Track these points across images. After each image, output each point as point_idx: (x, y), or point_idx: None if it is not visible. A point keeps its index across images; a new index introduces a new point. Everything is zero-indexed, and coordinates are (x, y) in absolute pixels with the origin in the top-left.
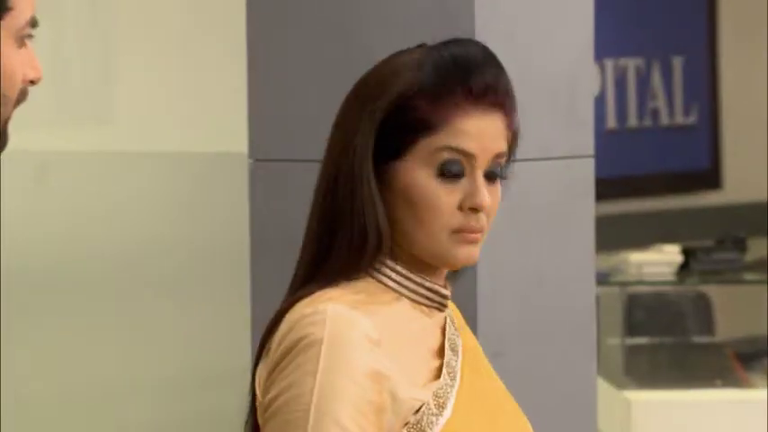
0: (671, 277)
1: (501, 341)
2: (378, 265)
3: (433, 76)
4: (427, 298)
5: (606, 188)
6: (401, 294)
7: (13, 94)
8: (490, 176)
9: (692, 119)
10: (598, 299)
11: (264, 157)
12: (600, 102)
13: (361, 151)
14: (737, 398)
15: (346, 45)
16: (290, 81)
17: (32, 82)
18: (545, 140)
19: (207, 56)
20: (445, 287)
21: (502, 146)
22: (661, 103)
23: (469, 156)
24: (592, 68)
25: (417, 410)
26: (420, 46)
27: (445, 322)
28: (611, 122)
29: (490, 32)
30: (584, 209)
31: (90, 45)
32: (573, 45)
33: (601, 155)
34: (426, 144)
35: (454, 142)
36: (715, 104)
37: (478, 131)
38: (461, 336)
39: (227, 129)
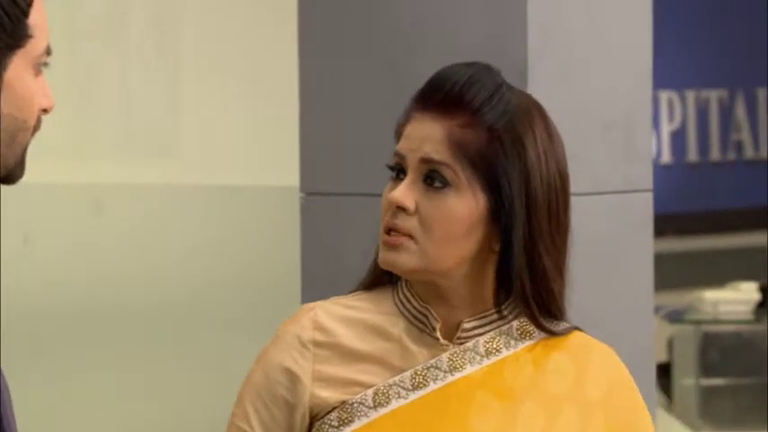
0: (748, 316)
1: None
2: (399, 282)
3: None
4: (420, 321)
5: (684, 223)
6: (401, 314)
7: (32, 121)
8: (429, 182)
9: None
10: (672, 338)
11: (316, 191)
12: (681, 134)
13: None
14: None
15: (397, 79)
16: (342, 115)
17: (45, 111)
18: (600, 174)
19: (261, 89)
20: (458, 325)
21: (430, 152)
22: (745, 135)
23: (400, 156)
24: (649, 100)
25: (323, 416)
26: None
27: (442, 355)
28: (693, 155)
29: (543, 64)
30: (643, 245)
31: (155, 77)
32: (630, 75)
33: (680, 189)
34: None
35: (397, 148)
36: None
37: (410, 132)
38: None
39: (279, 162)
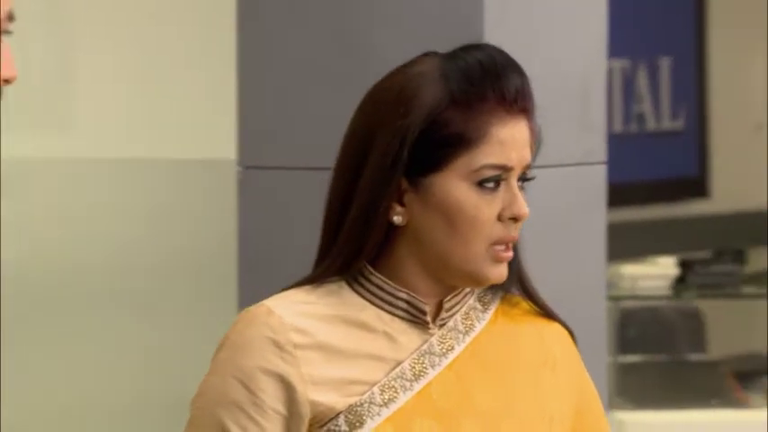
0: (666, 291)
1: None
2: (354, 272)
3: (462, 85)
4: (403, 310)
5: None
6: (371, 303)
7: None
8: (521, 183)
9: (679, 123)
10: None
11: (254, 165)
12: None
13: (382, 172)
14: (734, 419)
15: (345, 49)
16: (282, 85)
17: (7, 81)
18: (557, 146)
19: (195, 59)
20: (440, 304)
21: (530, 157)
22: (647, 106)
23: (507, 169)
24: (604, 71)
25: (326, 423)
26: (428, 54)
27: (430, 339)
28: None
29: (500, 34)
30: (596, 218)
31: (51, 46)
32: (585, 46)
33: None
34: (467, 159)
35: (495, 158)
36: (703, 108)
37: (513, 140)
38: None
39: (216, 135)
